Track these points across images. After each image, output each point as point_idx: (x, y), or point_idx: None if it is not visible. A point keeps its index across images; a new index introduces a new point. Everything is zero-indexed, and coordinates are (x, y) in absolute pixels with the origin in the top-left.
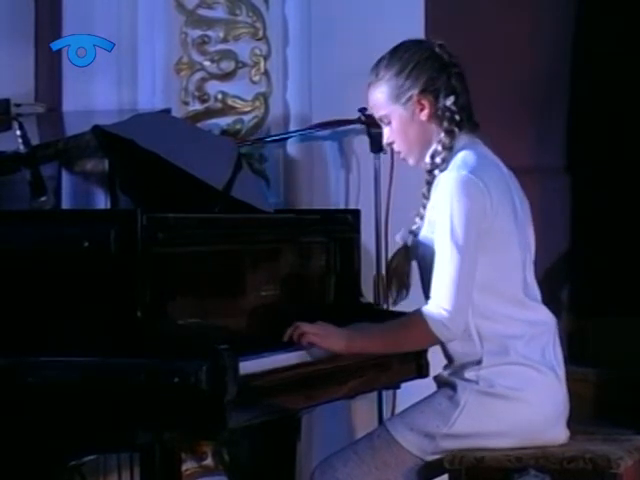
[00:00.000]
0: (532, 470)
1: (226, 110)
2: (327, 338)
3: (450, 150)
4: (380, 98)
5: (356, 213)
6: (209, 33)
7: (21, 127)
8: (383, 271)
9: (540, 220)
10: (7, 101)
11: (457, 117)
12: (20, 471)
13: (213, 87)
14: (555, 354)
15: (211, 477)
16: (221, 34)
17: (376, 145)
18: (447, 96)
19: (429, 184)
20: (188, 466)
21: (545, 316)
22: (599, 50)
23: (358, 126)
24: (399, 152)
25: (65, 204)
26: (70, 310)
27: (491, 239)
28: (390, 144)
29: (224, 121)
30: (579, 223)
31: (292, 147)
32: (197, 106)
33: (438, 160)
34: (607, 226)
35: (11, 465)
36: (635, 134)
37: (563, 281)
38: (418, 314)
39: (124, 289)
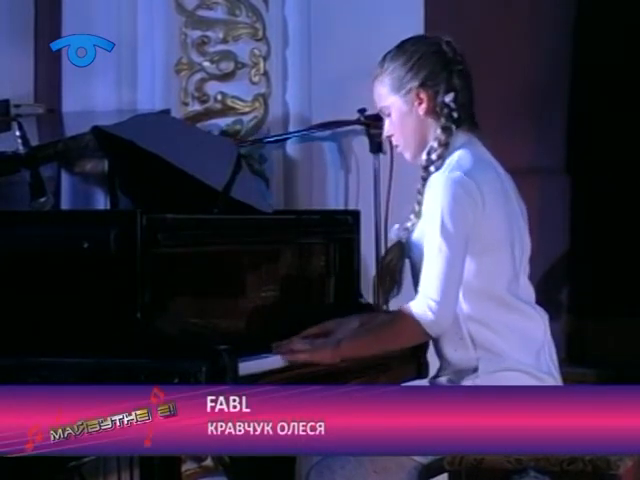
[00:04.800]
0: (532, 471)
1: (225, 111)
2: (314, 352)
3: (446, 147)
4: (382, 89)
5: (355, 214)
6: (209, 34)
7: (20, 128)
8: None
9: (540, 220)
10: (6, 102)
11: (455, 114)
12: (20, 471)
13: (213, 88)
14: (550, 355)
15: (211, 478)
16: (221, 35)
17: (375, 146)
18: (446, 92)
19: (424, 180)
20: (188, 467)
21: (538, 318)
22: (599, 50)
23: (357, 127)
24: (397, 146)
25: (65, 205)
26: (70, 311)
27: (481, 241)
28: (389, 137)
29: (223, 122)
30: (579, 223)
31: (292, 148)
32: (197, 107)
33: (434, 157)
34: (606, 226)
35: (11, 465)
36: (635, 134)
37: (563, 281)
38: (405, 309)
39: (124, 290)
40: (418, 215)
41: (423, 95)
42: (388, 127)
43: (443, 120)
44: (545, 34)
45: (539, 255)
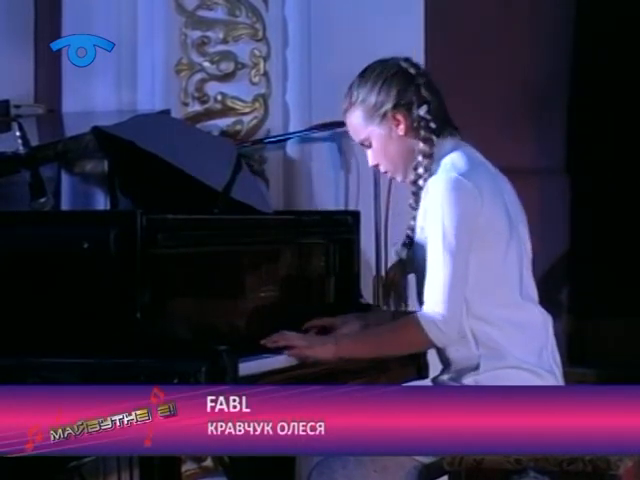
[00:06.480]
0: (532, 471)
1: (226, 111)
2: (313, 348)
3: (430, 158)
4: (357, 122)
5: (356, 214)
6: (209, 34)
7: (21, 128)
8: (383, 272)
9: (540, 221)
10: (7, 102)
11: (432, 125)
12: (20, 471)
13: (213, 88)
14: (553, 355)
15: (211, 478)
16: (221, 35)
17: None
18: (419, 106)
19: (415, 195)
20: (188, 467)
21: (540, 317)
22: (599, 50)
23: None
24: (386, 172)
25: (65, 205)
26: (70, 311)
27: (483, 238)
28: (376, 166)
29: (224, 122)
30: (579, 224)
31: (292, 148)
32: (197, 107)
33: (421, 170)
34: (607, 227)
35: (11, 465)
36: (635, 135)
37: (563, 282)
38: (412, 318)
39: (124, 290)
40: (414, 229)
41: (399, 115)
42: (372, 157)
43: (423, 133)
44: (545, 34)
45: (539, 255)
